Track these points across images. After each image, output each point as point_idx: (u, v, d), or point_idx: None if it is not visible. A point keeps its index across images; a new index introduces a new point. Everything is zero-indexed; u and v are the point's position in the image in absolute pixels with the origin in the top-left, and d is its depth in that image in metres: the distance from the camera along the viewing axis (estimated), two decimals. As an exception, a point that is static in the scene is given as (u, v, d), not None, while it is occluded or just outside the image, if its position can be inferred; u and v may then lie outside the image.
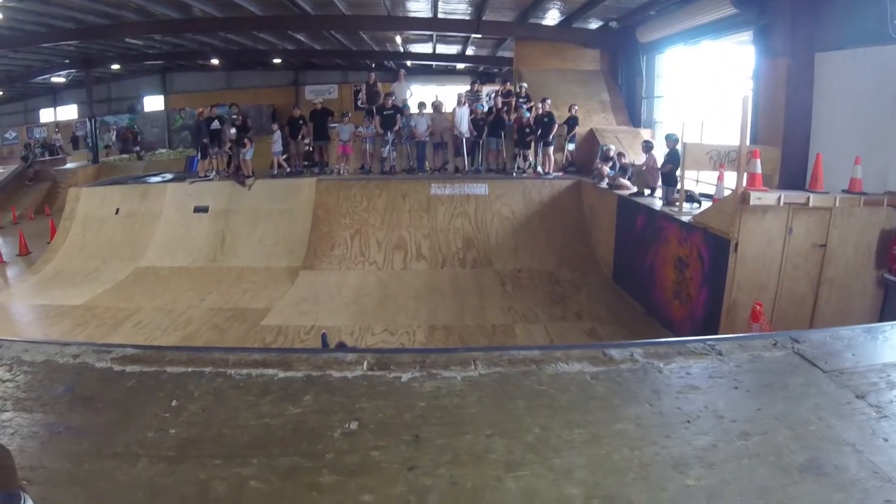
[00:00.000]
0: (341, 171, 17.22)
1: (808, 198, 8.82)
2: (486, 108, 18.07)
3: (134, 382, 2.57)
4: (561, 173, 16.89)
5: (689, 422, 2.23)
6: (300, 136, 17.83)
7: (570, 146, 17.31)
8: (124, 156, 32.57)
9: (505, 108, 17.74)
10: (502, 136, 17.28)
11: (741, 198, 8.86)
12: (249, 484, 1.85)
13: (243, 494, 1.82)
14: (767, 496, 1.83)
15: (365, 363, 2.68)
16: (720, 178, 11.39)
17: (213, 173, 17.51)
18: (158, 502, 1.78)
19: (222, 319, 11.97)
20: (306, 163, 18.29)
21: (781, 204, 8.78)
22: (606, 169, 15.11)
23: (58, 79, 32.10)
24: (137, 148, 33.07)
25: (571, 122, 17.01)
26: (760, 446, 2.09)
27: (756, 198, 8.73)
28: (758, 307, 8.51)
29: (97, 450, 2.07)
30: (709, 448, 2.07)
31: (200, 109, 18.19)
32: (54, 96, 36.93)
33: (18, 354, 2.86)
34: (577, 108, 17.07)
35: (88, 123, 31.56)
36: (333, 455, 2.01)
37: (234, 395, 2.46)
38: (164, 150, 34.11)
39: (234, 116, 17.97)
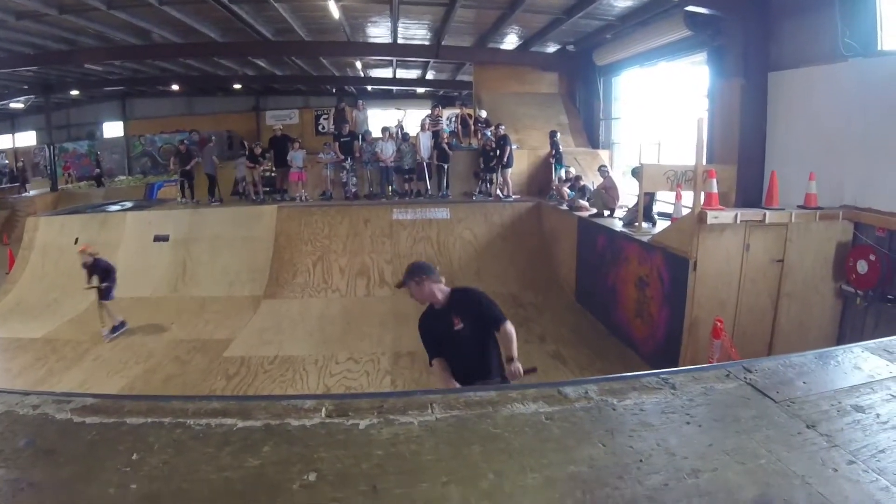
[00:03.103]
0: (302, 198, 17.22)
1: (765, 215, 9.04)
2: (448, 131, 18.24)
3: (94, 435, 2.51)
4: (520, 196, 17.05)
5: (641, 461, 2.25)
6: (258, 164, 17.93)
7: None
8: (82, 183, 32.26)
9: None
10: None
11: (698, 217, 9.00)
12: (210, 540, 1.85)
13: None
14: (720, 534, 1.86)
15: (323, 410, 2.68)
16: (678, 198, 11.52)
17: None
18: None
19: (184, 351, 11.82)
20: (267, 189, 18.24)
21: (738, 222, 8.96)
22: (566, 190, 15.28)
23: (16, 105, 31.67)
24: (98, 172, 32.75)
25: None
26: (711, 483, 2.12)
27: (713, 217, 8.88)
28: (718, 324, 8.65)
29: (60, 507, 2.05)
30: (660, 488, 2.10)
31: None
32: (13, 122, 36.33)
33: (-22, 405, 2.82)
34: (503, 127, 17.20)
35: (47, 150, 31.19)
36: (291, 508, 2.01)
37: (194, 447, 2.43)
38: (123, 178, 33.79)
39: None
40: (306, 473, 2.18)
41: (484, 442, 2.39)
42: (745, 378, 3.00)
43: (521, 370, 4.93)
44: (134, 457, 2.33)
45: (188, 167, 18.23)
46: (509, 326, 5.08)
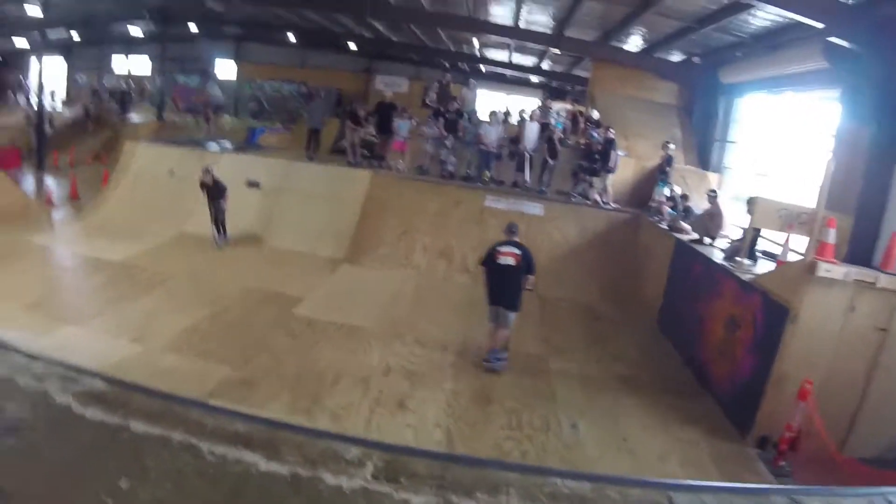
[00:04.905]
0: (399, 168, 17.00)
1: (878, 277, 8.24)
2: (561, 127, 17.77)
3: (89, 437, 2.12)
4: (619, 205, 16.44)
5: None
6: (359, 127, 17.73)
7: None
8: (188, 117, 32.75)
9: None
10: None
11: (808, 266, 8.32)
12: None
13: None
14: None
15: (370, 465, 2.12)
16: (786, 240, 10.82)
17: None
18: None
19: (255, 301, 11.82)
20: (365, 152, 18.06)
21: (848, 280, 8.19)
22: (667, 208, 14.64)
23: (135, 30, 32.35)
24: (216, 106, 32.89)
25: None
26: None
27: (825, 269, 8.15)
28: (808, 385, 7.97)
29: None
30: None
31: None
32: (129, 47, 37.29)
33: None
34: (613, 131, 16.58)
35: (158, 79, 31.80)
36: None
37: (199, 488, 1.95)
38: (228, 117, 34.24)
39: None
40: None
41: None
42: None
43: None
44: (123, 485, 1.93)
45: (222, 198, 15.01)
46: None
